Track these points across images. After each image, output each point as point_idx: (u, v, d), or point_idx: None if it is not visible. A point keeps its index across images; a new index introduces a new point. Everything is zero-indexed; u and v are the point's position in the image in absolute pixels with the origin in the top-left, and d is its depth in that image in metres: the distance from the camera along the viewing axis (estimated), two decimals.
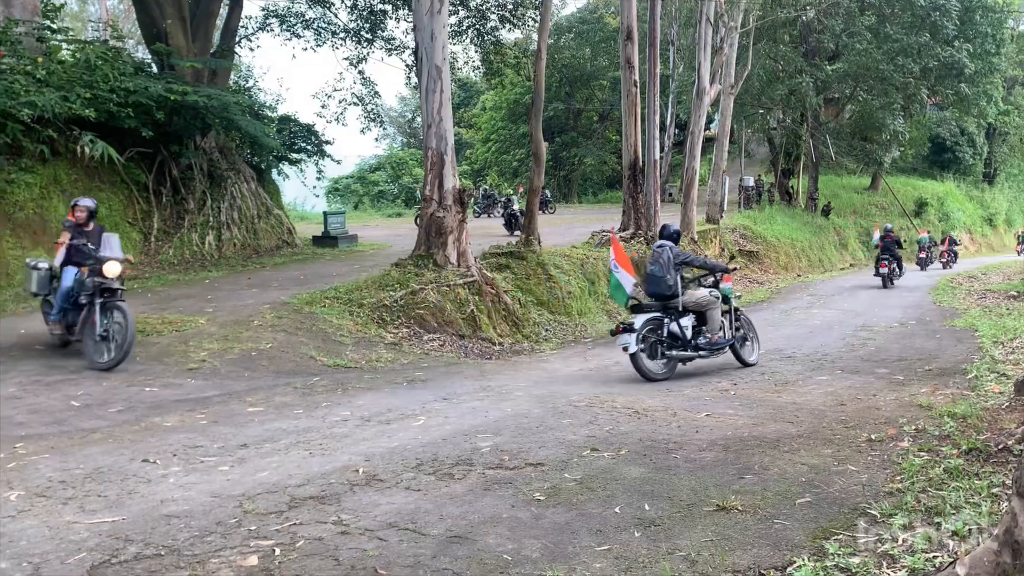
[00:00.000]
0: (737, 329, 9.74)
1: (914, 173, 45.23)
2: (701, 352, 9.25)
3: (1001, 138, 47.90)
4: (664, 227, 9.89)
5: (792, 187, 35.86)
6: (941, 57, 29.73)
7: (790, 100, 32.57)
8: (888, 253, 20.57)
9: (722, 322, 9.48)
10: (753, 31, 27.22)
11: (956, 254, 30.84)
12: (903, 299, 17.55)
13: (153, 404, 7.19)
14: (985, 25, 32.43)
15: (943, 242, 31.35)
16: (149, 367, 8.51)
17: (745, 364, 9.57)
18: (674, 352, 9.06)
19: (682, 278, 9.29)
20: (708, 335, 9.32)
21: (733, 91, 25.21)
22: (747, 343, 9.82)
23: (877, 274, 20.55)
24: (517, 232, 19.71)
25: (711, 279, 9.74)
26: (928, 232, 31.30)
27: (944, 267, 28.57)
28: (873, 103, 30.94)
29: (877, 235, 21.94)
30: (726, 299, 9.65)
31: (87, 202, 9.13)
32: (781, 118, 34.62)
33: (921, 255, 27.69)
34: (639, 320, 8.84)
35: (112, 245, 8.96)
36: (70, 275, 8.69)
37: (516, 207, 23.59)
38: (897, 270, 20.94)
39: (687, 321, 9.20)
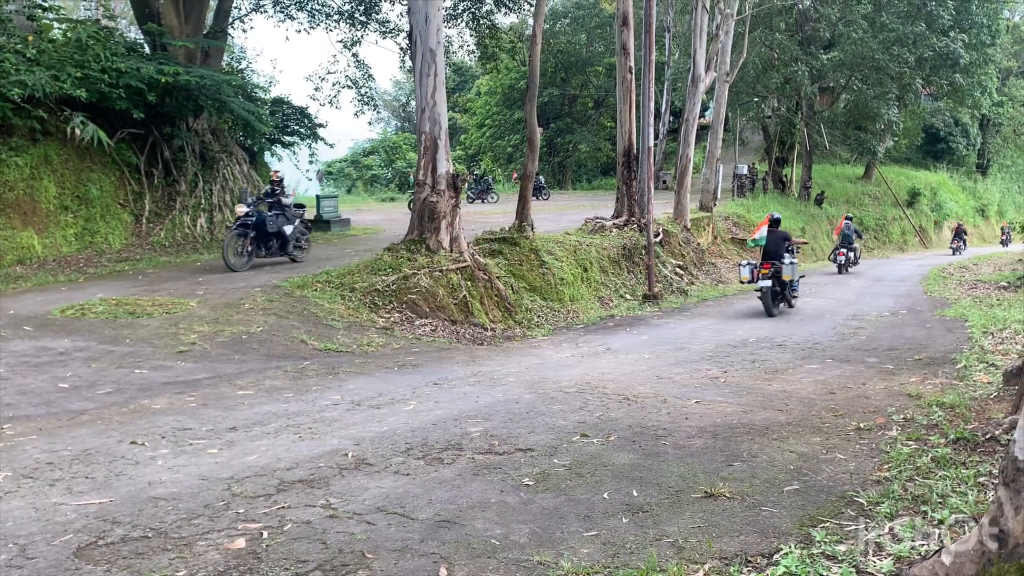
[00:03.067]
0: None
1: (907, 163, 45.25)
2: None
3: (995, 129, 48.00)
4: (847, 216, 20.19)
5: (786, 176, 35.85)
6: (936, 47, 29.66)
7: (785, 88, 32.51)
8: (958, 237, 32.36)
9: None
10: (749, 18, 27.08)
11: None
12: (895, 289, 17.64)
13: (142, 386, 7.17)
14: (981, 15, 32.39)
15: None
16: (139, 349, 8.49)
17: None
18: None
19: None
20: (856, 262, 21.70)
21: (728, 79, 25.10)
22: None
23: (950, 247, 32.29)
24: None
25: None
26: (1007, 223, 40.24)
27: None
28: (868, 92, 30.89)
29: (956, 225, 34.22)
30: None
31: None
32: (776, 106, 34.52)
33: (1003, 237, 37.27)
34: (846, 248, 21.71)
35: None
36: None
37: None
38: (963, 246, 32.15)
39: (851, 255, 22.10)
